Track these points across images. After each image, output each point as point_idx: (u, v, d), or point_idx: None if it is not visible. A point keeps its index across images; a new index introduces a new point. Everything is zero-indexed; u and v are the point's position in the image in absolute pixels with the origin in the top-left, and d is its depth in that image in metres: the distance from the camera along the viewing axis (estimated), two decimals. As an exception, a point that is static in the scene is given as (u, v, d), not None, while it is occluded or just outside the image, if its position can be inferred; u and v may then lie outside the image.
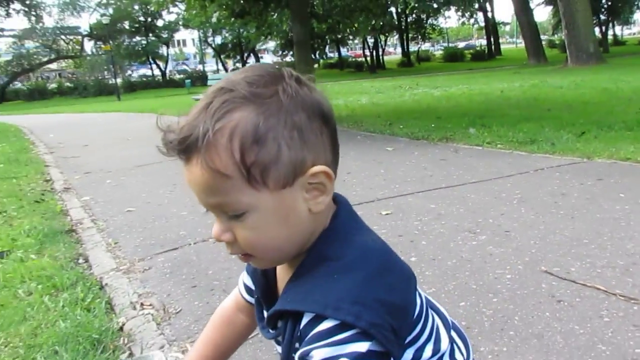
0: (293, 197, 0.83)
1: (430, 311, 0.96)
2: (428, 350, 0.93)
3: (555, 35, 57.68)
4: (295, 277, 0.87)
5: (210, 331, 1.16)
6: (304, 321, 0.81)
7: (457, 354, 1.00)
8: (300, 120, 0.82)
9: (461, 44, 76.87)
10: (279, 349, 0.97)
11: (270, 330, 0.93)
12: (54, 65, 62.39)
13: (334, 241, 0.87)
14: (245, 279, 1.09)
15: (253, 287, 1.03)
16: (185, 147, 0.80)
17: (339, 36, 45.85)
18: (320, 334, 0.78)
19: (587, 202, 4.20)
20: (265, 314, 0.96)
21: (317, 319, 0.79)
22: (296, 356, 0.82)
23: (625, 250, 3.21)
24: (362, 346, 0.77)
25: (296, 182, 0.82)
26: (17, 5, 49.33)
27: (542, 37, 39.81)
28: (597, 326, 2.39)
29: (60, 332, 2.60)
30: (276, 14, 16.71)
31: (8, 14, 49.40)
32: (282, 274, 0.95)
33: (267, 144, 0.79)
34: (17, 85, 51.98)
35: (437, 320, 0.98)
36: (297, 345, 0.83)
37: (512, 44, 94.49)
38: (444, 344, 0.96)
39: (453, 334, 1.02)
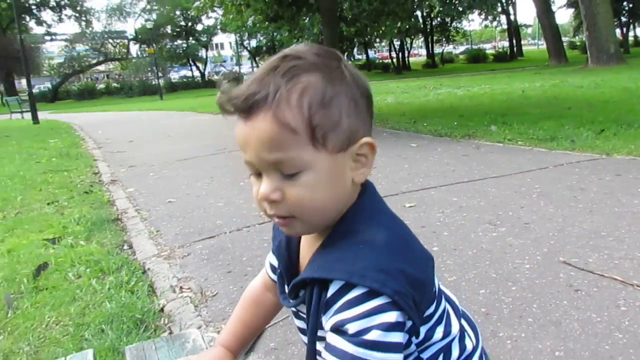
0: (344, 163, 0.84)
1: (442, 296, 0.96)
2: (439, 332, 0.92)
3: (577, 37, 56.31)
4: (322, 247, 0.87)
5: (240, 311, 1.17)
6: (332, 290, 0.81)
7: (467, 341, 0.98)
8: (356, 94, 0.85)
9: (461, 48, 74.55)
10: (298, 322, 0.98)
11: (291, 300, 0.93)
12: (102, 67, 63.44)
13: (360, 216, 0.87)
14: (271, 259, 1.09)
15: (277, 265, 1.04)
16: (252, 103, 0.80)
17: (367, 39, 45.61)
18: (349, 302, 0.78)
19: (606, 196, 4.11)
20: (287, 288, 0.96)
21: (346, 288, 0.79)
22: (327, 325, 0.82)
23: (643, 243, 3.13)
24: (391, 316, 0.77)
25: (348, 150, 0.84)
26: (68, 12, 50.30)
27: (564, 38, 38.83)
28: (614, 315, 2.34)
29: (106, 312, 2.66)
30: (307, 18, 16.72)
31: (60, 20, 50.37)
32: (306, 249, 0.95)
33: (331, 109, 0.81)
34: (69, 85, 52.92)
35: (448, 307, 0.97)
36: (322, 312, 0.83)
37: (534, 45, 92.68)
38: (455, 329, 0.96)
39: (463, 322, 1.00)
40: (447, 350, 0.94)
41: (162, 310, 2.77)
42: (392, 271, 0.79)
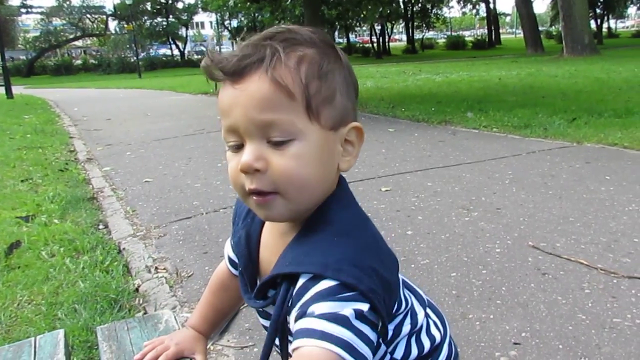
0: (333, 143, 0.79)
1: (406, 291, 0.92)
2: (407, 325, 0.90)
3: (553, 27, 56.72)
4: (295, 240, 0.81)
5: (209, 295, 1.14)
6: (300, 283, 0.75)
7: (434, 330, 0.96)
8: (348, 77, 0.82)
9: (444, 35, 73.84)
10: (264, 322, 0.92)
11: (257, 301, 0.87)
12: (79, 43, 61.82)
13: (334, 207, 0.82)
14: (230, 252, 1.03)
15: (237, 261, 0.97)
16: (246, 64, 0.74)
17: (348, 22, 45.29)
18: (320, 293, 0.72)
19: (575, 183, 4.18)
20: (249, 287, 0.91)
21: (315, 279, 0.73)
22: (291, 317, 0.75)
23: (609, 228, 3.20)
24: (364, 306, 0.72)
25: (339, 131, 0.80)
26: (45, -17, 48.91)
27: (541, 28, 39.06)
28: (579, 297, 2.40)
29: (80, 292, 2.63)
30: (289, 0, 16.54)
31: (37, -9, 48.96)
32: (268, 247, 0.89)
33: (327, 82, 0.77)
34: (45, 60, 51.50)
35: (412, 299, 0.94)
36: (289, 309, 0.77)
37: (512, 34, 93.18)
38: (420, 317, 0.93)
39: (429, 311, 0.98)
40: (416, 341, 0.92)
41: (137, 290, 2.75)
42: (366, 269, 0.74)
